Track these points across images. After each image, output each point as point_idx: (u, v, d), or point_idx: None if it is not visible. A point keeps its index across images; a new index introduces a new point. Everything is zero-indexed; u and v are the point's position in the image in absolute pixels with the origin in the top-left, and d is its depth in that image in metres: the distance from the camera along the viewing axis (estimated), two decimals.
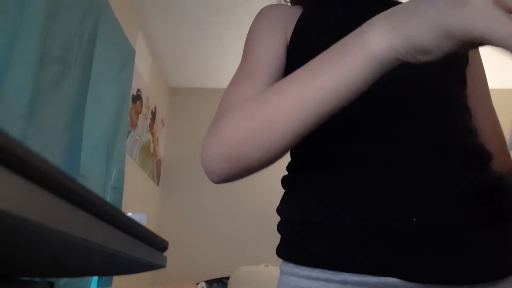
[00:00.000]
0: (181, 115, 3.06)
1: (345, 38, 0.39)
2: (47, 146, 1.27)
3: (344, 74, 0.37)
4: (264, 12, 0.63)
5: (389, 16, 0.36)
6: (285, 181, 0.58)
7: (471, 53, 0.62)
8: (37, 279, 0.34)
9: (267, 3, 0.67)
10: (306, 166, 0.54)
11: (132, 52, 2.10)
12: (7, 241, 0.16)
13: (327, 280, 0.47)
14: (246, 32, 0.64)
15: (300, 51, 0.57)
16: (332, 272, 0.47)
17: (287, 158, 0.59)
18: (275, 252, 0.56)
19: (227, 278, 2.45)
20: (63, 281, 1.29)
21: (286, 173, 0.58)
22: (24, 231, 0.14)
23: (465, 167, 0.48)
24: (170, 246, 0.34)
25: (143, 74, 2.42)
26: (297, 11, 0.62)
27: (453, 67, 0.57)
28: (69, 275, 0.47)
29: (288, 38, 0.59)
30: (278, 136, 0.42)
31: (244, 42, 0.63)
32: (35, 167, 0.14)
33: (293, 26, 0.60)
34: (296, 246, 0.52)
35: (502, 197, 0.49)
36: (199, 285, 2.26)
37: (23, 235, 0.15)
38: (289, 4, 0.69)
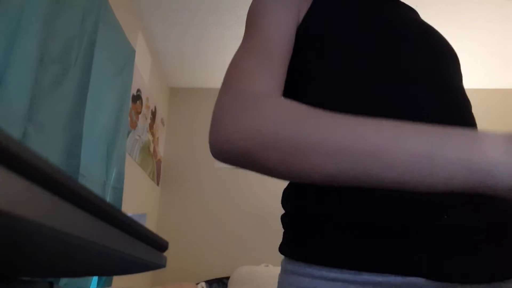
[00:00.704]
0: (181, 115, 3.06)
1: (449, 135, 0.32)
2: (47, 146, 1.27)
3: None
4: None
5: None
6: None
7: None
8: (37, 279, 0.34)
9: None
10: None
11: (132, 52, 2.10)
12: (7, 241, 0.16)
13: (346, 281, 0.44)
14: None
15: (315, 39, 0.55)
16: (352, 272, 0.44)
17: None
18: (278, 250, 0.52)
19: (227, 278, 2.45)
20: (63, 281, 1.29)
21: None
22: (24, 231, 0.14)
23: None
24: (170, 246, 0.34)
25: (143, 74, 2.42)
26: None
27: (459, 67, 0.59)
28: (69, 275, 0.47)
29: (301, 19, 0.56)
30: (304, 174, 0.36)
31: None
32: (35, 167, 0.14)
33: (307, 7, 0.56)
34: (310, 243, 0.47)
35: None
36: (199, 285, 2.26)
37: (23, 235, 0.15)
38: None
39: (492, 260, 0.44)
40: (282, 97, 0.43)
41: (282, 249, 0.52)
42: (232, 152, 0.39)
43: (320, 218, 0.47)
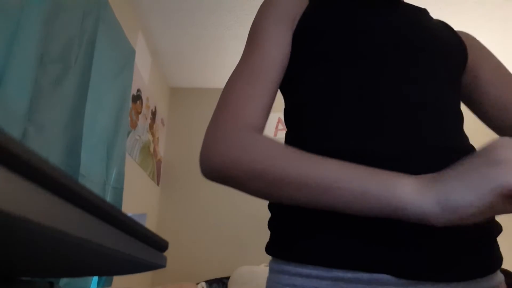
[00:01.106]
0: (181, 115, 3.06)
1: (378, 178, 0.41)
2: (47, 146, 1.27)
3: (367, 209, 0.41)
4: (272, 0, 0.62)
5: (431, 183, 0.38)
6: None
7: (471, 56, 0.65)
8: (37, 279, 0.34)
9: None
10: None
11: (132, 52, 2.10)
12: (7, 241, 0.16)
13: (319, 277, 0.47)
14: (246, 32, 0.64)
15: (305, 46, 0.58)
16: (324, 268, 0.47)
17: None
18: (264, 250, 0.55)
19: (227, 278, 2.45)
20: (63, 281, 1.29)
21: None
22: (24, 231, 0.14)
23: None
24: (170, 246, 0.34)
25: (143, 74, 2.42)
26: (305, 1, 0.61)
27: (453, 76, 0.60)
28: (69, 275, 0.47)
29: (294, 28, 0.59)
30: (280, 199, 0.46)
31: (244, 42, 0.62)
32: (35, 167, 0.14)
33: (300, 16, 0.59)
34: (287, 242, 0.51)
35: None
36: (199, 285, 2.26)
37: (23, 235, 0.15)
38: None
39: (459, 260, 0.45)
40: (263, 135, 0.50)
41: (267, 249, 0.56)
42: (222, 177, 0.48)
43: (296, 220, 0.51)
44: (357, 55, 0.54)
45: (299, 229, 0.50)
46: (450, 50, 0.60)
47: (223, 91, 0.54)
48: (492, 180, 0.33)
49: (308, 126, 0.55)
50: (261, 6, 0.62)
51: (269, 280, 0.54)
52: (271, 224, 0.56)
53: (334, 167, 0.43)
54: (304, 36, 0.58)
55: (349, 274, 0.46)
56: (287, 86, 0.61)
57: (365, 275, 0.45)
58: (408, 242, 0.45)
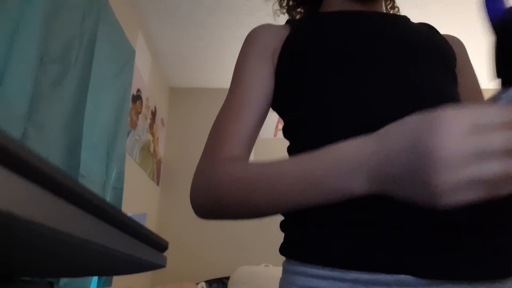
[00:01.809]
0: (181, 115, 3.06)
1: (334, 164, 0.42)
2: (47, 146, 1.27)
3: (325, 197, 0.43)
4: (252, 38, 0.64)
5: (378, 173, 0.39)
6: None
7: (458, 56, 0.65)
8: (37, 279, 0.34)
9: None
10: None
11: (132, 52, 2.10)
12: (7, 241, 0.16)
13: (337, 279, 0.46)
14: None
15: (287, 73, 0.60)
16: (342, 270, 0.46)
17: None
18: (278, 251, 0.55)
19: (227, 278, 2.45)
20: (63, 281, 1.29)
21: None
22: (24, 231, 0.14)
23: None
24: (170, 246, 0.35)
25: (143, 74, 2.42)
26: (284, 32, 0.63)
27: (446, 68, 0.60)
28: (69, 275, 0.47)
29: (276, 60, 0.61)
30: (261, 214, 0.48)
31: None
32: (35, 167, 0.14)
33: (280, 47, 0.61)
34: (303, 244, 0.51)
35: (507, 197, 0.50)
36: (199, 285, 2.26)
37: (23, 235, 0.15)
38: (282, 14, 0.71)
39: (480, 259, 0.45)
40: (240, 162, 0.52)
41: (281, 250, 0.55)
42: (211, 214, 0.53)
43: (311, 221, 0.51)
44: (347, 66, 0.55)
45: (315, 231, 0.50)
46: (439, 47, 0.61)
47: (210, 130, 0.58)
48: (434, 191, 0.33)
49: (308, 139, 0.55)
50: (243, 43, 0.65)
51: (283, 281, 0.54)
52: (285, 226, 0.56)
53: (299, 173, 0.44)
54: (291, 60, 0.60)
55: (368, 276, 0.45)
56: (283, 107, 0.63)
57: (384, 276, 0.44)
58: (429, 241, 0.44)
